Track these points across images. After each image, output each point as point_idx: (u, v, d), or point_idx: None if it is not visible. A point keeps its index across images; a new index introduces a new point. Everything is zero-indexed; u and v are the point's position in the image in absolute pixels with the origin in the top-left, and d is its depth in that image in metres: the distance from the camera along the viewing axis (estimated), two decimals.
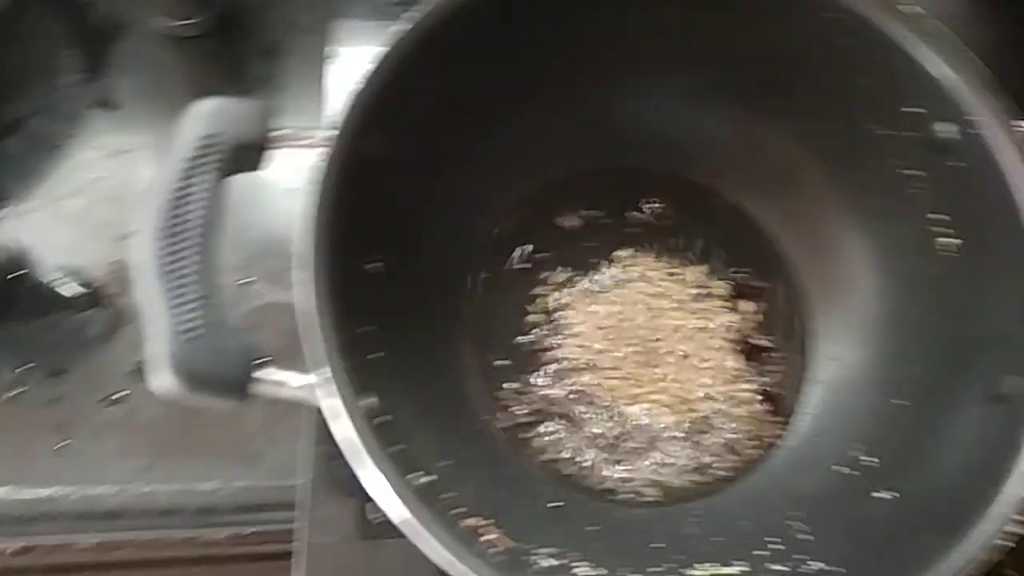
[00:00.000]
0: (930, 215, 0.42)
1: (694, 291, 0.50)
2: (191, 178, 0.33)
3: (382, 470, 0.32)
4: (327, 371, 0.33)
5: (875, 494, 0.40)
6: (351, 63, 0.57)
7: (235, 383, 0.32)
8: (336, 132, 0.35)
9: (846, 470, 0.42)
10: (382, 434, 0.34)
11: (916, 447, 0.40)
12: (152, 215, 0.32)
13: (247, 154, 0.35)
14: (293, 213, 0.58)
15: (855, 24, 0.40)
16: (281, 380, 0.34)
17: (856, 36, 0.40)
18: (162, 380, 0.31)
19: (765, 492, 0.44)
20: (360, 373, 0.35)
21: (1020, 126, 0.38)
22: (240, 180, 0.37)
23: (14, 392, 0.53)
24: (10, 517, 0.50)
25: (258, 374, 0.33)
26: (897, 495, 0.39)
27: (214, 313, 0.32)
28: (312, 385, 0.33)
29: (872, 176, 0.44)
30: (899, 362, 0.44)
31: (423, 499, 0.33)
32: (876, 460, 0.41)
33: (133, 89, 0.62)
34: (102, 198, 0.59)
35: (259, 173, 0.39)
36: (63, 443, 0.52)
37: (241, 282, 0.56)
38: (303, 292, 0.34)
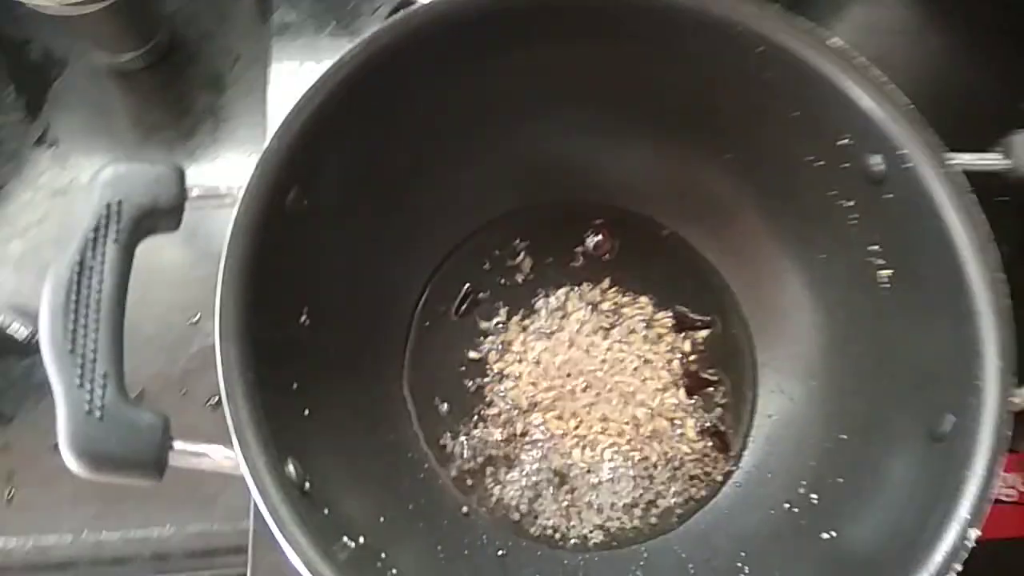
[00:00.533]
0: (866, 247, 0.41)
1: (637, 325, 0.49)
2: (93, 249, 0.32)
3: (300, 549, 0.31)
4: (238, 446, 0.32)
5: (819, 534, 0.39)
6: (291, 90, 0.57)
7: (147, 461, 0.31)
8: (244, 193, 0.34)
9: (790, 507, 0.42)
10: (305, 502, 0.33)
11: (858, 485, 0.40)
12: (52, 291, 0.31)
13: (157, 219, 0.34)
14: None
15: (784, 59, 0.39)
16: (201, 452, 0.33)
17: (786, 71, 0.39)
18: (67, 461, 0.31)
19: (710, 532, 0.44)
20: (281, 436, 0.34)
21: (952, 160, 0.37)
22: (187, 216, 0.36)
23: None
24: None
25: (178, 446, 0.33)
26: (839, 535, 0.39)
27: (119, 390, 0.31)
28: (231, 456, 0.33)
29: (808, 208, 0.44)
30: (842, 396, 0.43)
31: (350, 568, 0.33)
32: (817, 497, 0.41)
33: (75, 126, 0.61)
34: (47, 238, 0.58)
35: (203, 209, 0.38)
36: (11, 493, 0.51)
37: (191, 321, 0.56)
38: (221, 361, 0.33)
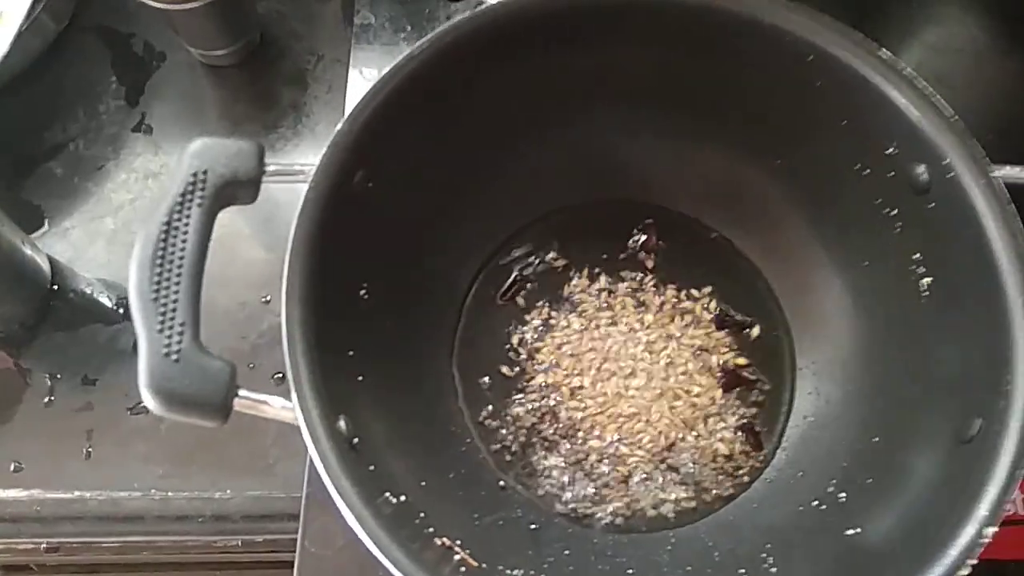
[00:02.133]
0: (909, 256, 0.42)
1: (680, 321, 0.51)
2: (180, 212, 0.35)
3: (344, 496, 0.33)
4: (295, 395, 0.35)
5: (843, 531, 0.40)
6: (369, 82, 0.60)
7: (213, 403, 0.34)
8: (315, 170, 0.37)
9: (818, 504, 0.42)
10: (354, 456, 0.36)
11: (885, 485, 0.40)
12: (142, 246, 0.35)
13: (237, 189, 0.37)
14: None
15: (833, 67, 0.40)
16: (263, 400, 0.36)
17: (835, 79, 0.40)
18: (144, 398, 0.34)
19: (738, 523, 0.44)
20: (336, 397, 0.36)
21: (995, 171, 0.38)
22: (261, 200, 0.39)
23: (47, 399, 0.56)
24: (39, 517, 0.54)
25: (243, 393, 0.35)
26: (862, 531, 0.39)
27: (195, 338, 0.34)
28: (289, 407, 0.35)
29: (853, 215, 0.44)
30: (875, 400, 0.44)
31: (390, 520, 0.35)
32: (846, 496, 0.42)
33: (169, 115, 0.65)
34: (137, 217, 0.62)
35: (281, 193, 0.41)
36: (90, 448, 0.55)
37: (264, 299, 0.59)
38: (285, 320, 0.36)
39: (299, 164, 0.39)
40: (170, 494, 0.54)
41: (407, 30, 0.62)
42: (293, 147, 0.64)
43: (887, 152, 0.41)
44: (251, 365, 0.57)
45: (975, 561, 0.33)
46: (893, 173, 0.41)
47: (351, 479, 0.34)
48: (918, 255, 0.41)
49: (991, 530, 0.33)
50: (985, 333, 0.37)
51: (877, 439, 0.42)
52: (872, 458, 0.42)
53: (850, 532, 0.39)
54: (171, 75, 0.66)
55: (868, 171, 0.42)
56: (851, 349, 0.46)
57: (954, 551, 0.34)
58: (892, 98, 0.40)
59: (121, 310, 0.59)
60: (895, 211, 0.42)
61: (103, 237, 0.61)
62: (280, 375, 0.57)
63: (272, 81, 0.66)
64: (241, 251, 0.59)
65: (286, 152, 0.64)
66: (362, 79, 0.61)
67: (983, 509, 0.34)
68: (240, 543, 0.55)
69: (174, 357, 0.33)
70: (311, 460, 0.35)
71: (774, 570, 0.40)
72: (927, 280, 0.41)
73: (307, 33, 0.67)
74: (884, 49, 0.39)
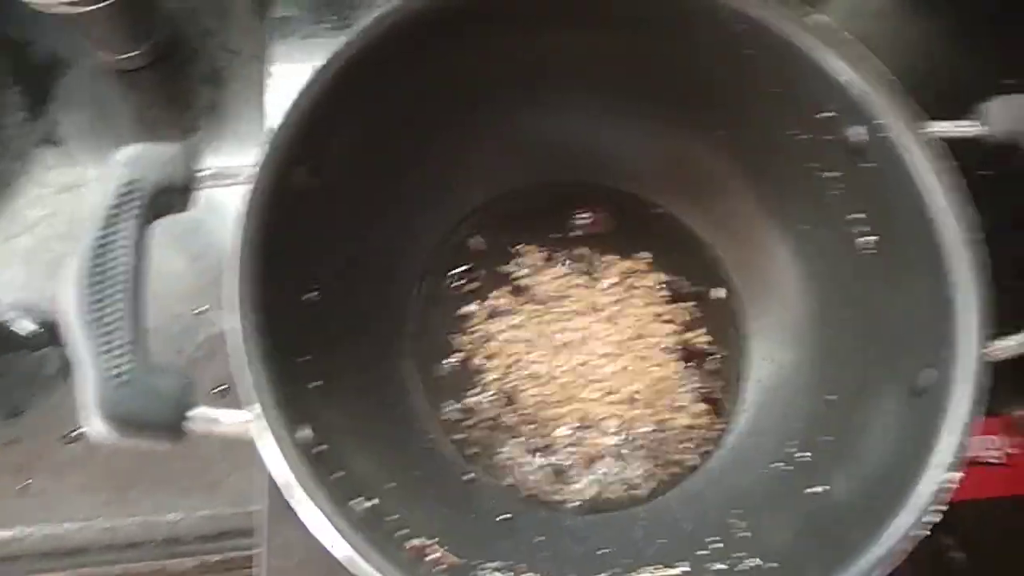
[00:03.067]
0: (848, 216, 0.43)
1: (632, 296, 0.51)
2: (114, 225, 0.33)
3: (318, 504, 0.32)
4: (257, 407, 0.33)
5: (808, 489, 0.41)
6: (289, 84, 0.59)
7: (167, 424, 0.33)
8: (256, 169, 0.36)
9: (782, 466, 0.43)
10: (319, 464, 0.35)
11: (845, 442, 0.41)
12: (75, 263, 0.33)
13: (171, 197, 0.36)
14: None
15: (763, 35, 0.41)
16: (215, 417, 0.34)
17: (765, 47, 0.41)
18: (93, 426, 0.32)
19: (706, 492, 0.45)
20: (295, 404, 0.35)
21: (928, 127, 0.39)
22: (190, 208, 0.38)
23: None
24: None
25: (192, 412, 0.34)
26: (828, 488, 0.40)
27: (143, 357, 0.33)
28: (246, 421, 0.34)
29: (793, 180, 0.45)
30: (827, 360, 0.45)
31: (365, 525, 0.34)
32: (808, 455, 0.43)
33: (78, 124, 0.62)
34: (53, 234, 0.59)
35: (211, 199, 0.39)
36: (24, 483, 0.52)
37: (196, 311, 0.57)
38: (233, 329, 0.35)
39: (235, 165, 0.37)
40: (116, 521, 0.52)
41: (333, 19, 0.61)
42: (215, 149, 0.62)
43: (823, 116, 0.42)
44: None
45: (944, 507, 0.34)
46: (830, 137, 0.42)
47: (321, 488, 0.33)
48: (860, 215, 0.42)
49: (955, 475, 0.34)
50: (928, 285, 0.38)
51: (833, 397, 0.43)
52: (830, 417, 0.43)
53: (816, 490, 0.40)
54: (78, 82, 0.63)
55: (806, 136, 0.43)
56: (800, 312, 0.47)
57: (920, 499, 0.34)
58: (823, 63, 0.40)
59: (45, 333, 0.56)
60: (835, 174, 0.43)
61: (19, 257, 0.58)
62: (223, 388, 0.55)
63: (187, 81, 0.64)
64: (166, 263, 0.57)
65: (208, 154, 0.62)
66: (281, 74, 0.59)
67: (944, 456, 0.35)
68: (195, 565, 0.53)
69: (124, 379, 0.32)
70: (271, 473, 0.34)
71: (747, 535, 0.41)
72: (871, 239, 0.42)
73: (220, 29, 0.65)
74: (821, 16, 0.40)
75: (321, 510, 0.32)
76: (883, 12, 0.62)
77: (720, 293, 0.51)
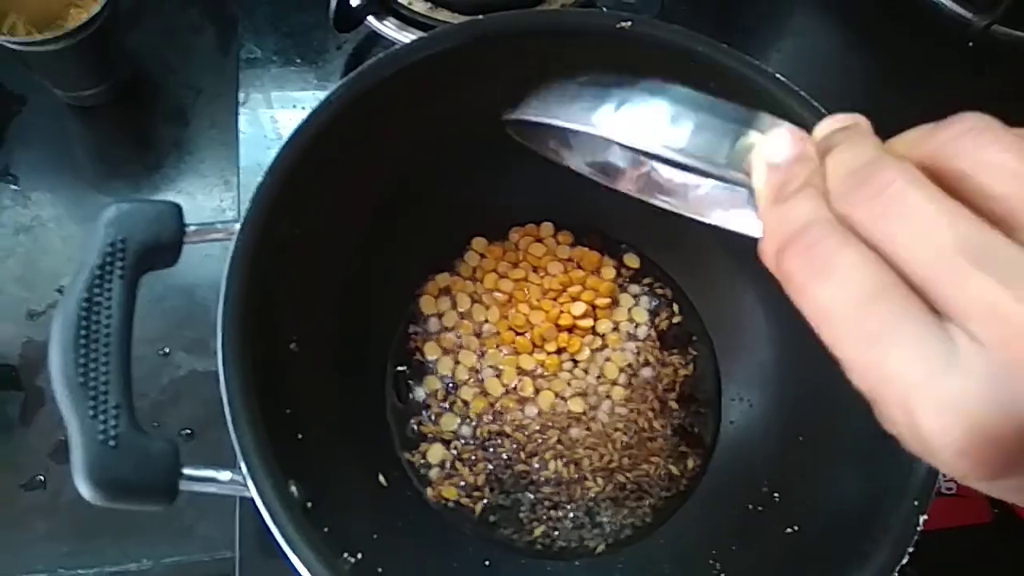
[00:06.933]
0: None
1: (606, 344, 0.52)
2: (99, 286, 0.33)
3: (308, 563, 0.32)
4: (246, 467, 0.33)
5: (782, 530, 0.42)
6: (262, 117, 0.59)
7: (160, 486, 0.32)
8: (244, 224, 0.36)
9: (755, 507, 0.45)
10: (308, 522, 0.35)
11: (815, 483, 0.43)
12: (61, 326, 0.32)
13: (157, 254, 0.35)
14: (210, 280, 0.57)
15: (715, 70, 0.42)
16: (209, 476, 0.34)
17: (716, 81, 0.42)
18: (83, 492, 0.31)
19: (684, 534, 0.46)
20: (283, 462, 0.35)
21: None
22: None
23: None
24: None
25: (188, 472, 0.34)
26: (800, 528, 0.42)
27: (132, 419, 0.32)
28: (238, 480, 0.34)
29: None
30: (796, 401, 0.46)
31: None
32: (779, 496, 0.44)
33: (36, 163, 0.61)
34: (10, 276, 0.58)
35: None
36: None
37: (160, 352, 0.56)
38: (226, 390, 0.35)
39: (220, 223, 0.37)
40: (80, 572, 0.50)
41: (297, 63, 0.61)
42: (178, 188, 0.61)
43: None
44: (156, 424, 0.54)
45: (911, 549, 0.35)
46: None
47: (311, 547, 0.33)
48: None
49: (922, 518, 0.36)
50: None
51: (801, 438, 0.45)
52: (799, 458, 0.44)
53: (789, 531, 0.42)
54: (34, 119, 0.62)
55: None
56: (767, 355, 0.48)
57: (888, 546, 0.36)
58: (767, 93, 0.41)
59: (5, 376, 0.54)
60: None
61: None
62: (188, 431, 0.54)
63: (150, 119, 0.63)
64: None
65: (171, 192, 0.61)
66: (253, 113, 0.59)
67: (912, 497, 0.36)
68: None
69: (112, 443, 0.31)
70: (240, 520, 0.34)
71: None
72: None
73: (183, 67, 0.64)
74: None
75: (311, 571, 0.32)
76: (817, 53, 0.66)
77: (697, 335, 0.52)
